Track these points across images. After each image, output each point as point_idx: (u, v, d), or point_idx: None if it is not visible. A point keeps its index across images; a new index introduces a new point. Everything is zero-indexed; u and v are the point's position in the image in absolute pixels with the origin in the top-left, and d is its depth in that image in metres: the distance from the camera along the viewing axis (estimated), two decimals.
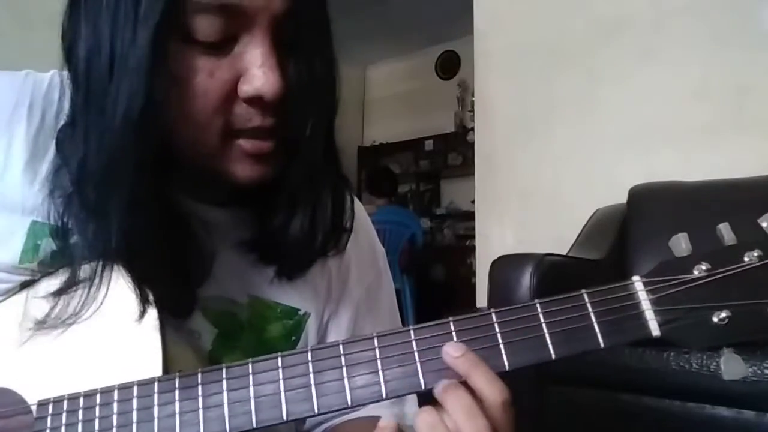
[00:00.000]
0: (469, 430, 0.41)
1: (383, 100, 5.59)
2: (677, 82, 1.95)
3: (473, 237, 2.60)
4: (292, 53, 0.49)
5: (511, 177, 2.30)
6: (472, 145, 2.70)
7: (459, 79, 4.96)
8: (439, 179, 5.15)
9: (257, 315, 0.61)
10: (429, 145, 5.08)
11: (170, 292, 0.51)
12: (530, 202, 2.23)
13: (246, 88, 0.47)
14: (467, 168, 4.06)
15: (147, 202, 0.48)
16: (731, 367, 0.42)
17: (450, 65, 5.10)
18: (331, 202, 0.55)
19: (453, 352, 0.44)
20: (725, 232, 0.44)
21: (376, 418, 0.63)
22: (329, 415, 0.64)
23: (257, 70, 0.47)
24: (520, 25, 2.33)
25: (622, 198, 1.75)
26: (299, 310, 0.63)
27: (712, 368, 1.22)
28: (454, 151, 4.83)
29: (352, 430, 0.64)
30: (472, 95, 3.96)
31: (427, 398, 0.44)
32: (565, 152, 2.18)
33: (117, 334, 0.49)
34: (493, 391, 0.42)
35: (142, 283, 0.49)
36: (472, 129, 3.30)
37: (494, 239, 2.30)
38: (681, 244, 0.45)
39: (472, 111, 3.92)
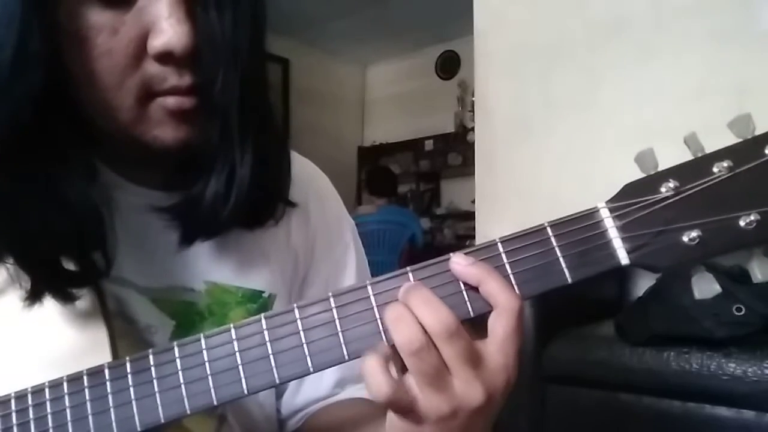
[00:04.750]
0: (433, 320, 0.38)
1: (383, 100, 5.58)
2: (677, 82, 1.95)
3: (473, 237, 2.60)
4: (201, 1, 0.45)
5: (511, 177, 2.30)
6: (472, 145, 2.70)
7: (459, 79, 4.95)
8: (439, 179, 5.14)
9: (217, 301, 0.57)
10: (429, 145, 5.08)
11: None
12: (530, 202, 2.23)
13: (155, 44, 0.43)
14: (467, 168, 4.05)
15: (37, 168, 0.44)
16: (703, 286, 0.40)
17: (450, 65, 5.09)
18: (253, 165, 0.49)
19: (463, 261, 0.41)
20: (692, 142, 0.41)
21: (357, 400, 0.62)
22: (309, 400, 0.63)
23: (165, 23, 0.43)
24: (520, 25, 2.32)
25: None
26: (263, 292, 0.60)
27: (712, 368, 1.22)
28: (454, 151, 4.83)
29: (338, 413, 0.62)
30: (472, 95, 3.96)
31: None
32: (565, 152, 2.18)
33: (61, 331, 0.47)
34: (508, 297, 0.39)
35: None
36: (472, 129, 3.29)
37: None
38: (647, 159, 0.42)
39: (472, 111, 3.92)
